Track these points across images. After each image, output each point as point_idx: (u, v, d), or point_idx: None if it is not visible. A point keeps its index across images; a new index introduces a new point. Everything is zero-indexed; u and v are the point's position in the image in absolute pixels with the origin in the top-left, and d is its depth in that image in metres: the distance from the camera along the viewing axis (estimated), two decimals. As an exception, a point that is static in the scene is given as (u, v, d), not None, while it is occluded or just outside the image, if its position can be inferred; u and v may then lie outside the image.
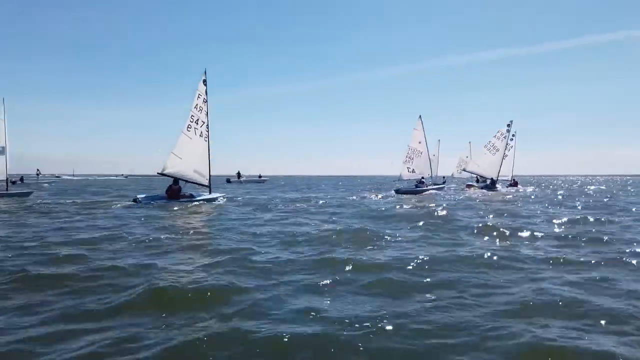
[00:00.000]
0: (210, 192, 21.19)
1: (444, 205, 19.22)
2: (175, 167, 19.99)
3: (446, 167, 63.08)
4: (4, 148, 22.55)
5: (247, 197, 26.35)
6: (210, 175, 21.18)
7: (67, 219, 13.54)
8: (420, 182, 32.59)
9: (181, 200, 19.45)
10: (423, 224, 12.02)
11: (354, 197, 26.55)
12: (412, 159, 33.92)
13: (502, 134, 37.78)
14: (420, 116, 33.76)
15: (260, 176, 65.02)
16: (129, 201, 20.00)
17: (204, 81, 20.78)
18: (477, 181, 41.93)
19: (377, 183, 62.65)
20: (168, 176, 19.86)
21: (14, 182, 23.61)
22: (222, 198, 22.03)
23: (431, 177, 34.19)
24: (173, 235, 9.90)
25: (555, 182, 77.67)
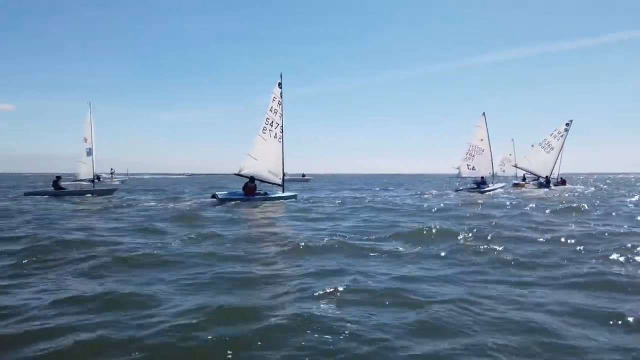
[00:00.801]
0: (283, 191, 21.49)
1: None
2: (251, 167, 20.58)
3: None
4: (90, 149, 23.66)
5: (309, 195, 26.56)
6: (283, 175, 21.50)
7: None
8: (482, 183, 31.86)
9: (256, 197, 19.85)
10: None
11: (426, 196, 26.42)
12: (473, 156, 33.26)
13: (559, 133, 36.63)
14: (484, 113, 32.97)
15: (303, 175, 65.34)
16: (208, 198, 20.53)
17: (279, 84, 21.02)
18: (524, 179, 41.06)
19: (422, 182, 61.77)
20: (244, 177, 20.37)
21: (91, 180, 24.65)
22: (296, 196, 22.33)
23: (493, 175, 33.30)
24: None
25: (607, 179, 74.32)
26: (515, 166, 43.40)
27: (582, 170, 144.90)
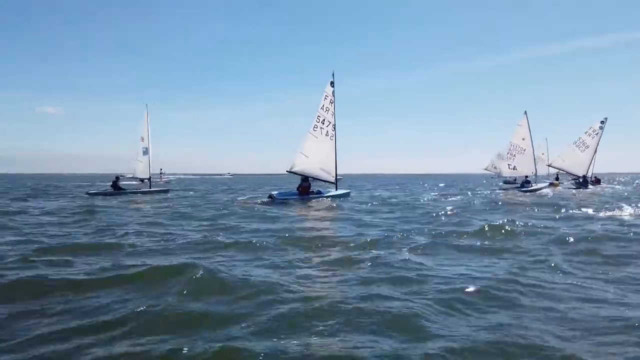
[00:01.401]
0: (336, 189, 21.77)
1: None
2: (302, 165, 20.97)
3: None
4: (146, 149, 24.52)
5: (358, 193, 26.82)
6: (336, 173, 21.79)
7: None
8: (526, 182, 31.62)
9: (311, 197, 20.20)
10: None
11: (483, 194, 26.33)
12: (514, 155, 32.98)
13: (594, 131, 35.92)
14: (525, 112, 32.76)
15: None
16: (265, 198, 20.99)
17: (332, 83, 21.40)
18: (557, 179, 40.45)
19: (458, 181, 61.14)
20: (295, 174, 20.83)
21: (142, 180, 25.55)
22: (349, 194, 22.61)
23: (535, 175, 32.96)
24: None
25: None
26: (550, 165, 42.79)
27: (620, 170, 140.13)
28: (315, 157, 21.15)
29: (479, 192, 31.50)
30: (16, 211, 15.30)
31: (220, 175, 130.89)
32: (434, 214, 14.19)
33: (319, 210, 16.39)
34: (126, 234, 9.70)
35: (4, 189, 36.59)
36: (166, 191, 26.63)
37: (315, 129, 21.43)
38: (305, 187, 20.73)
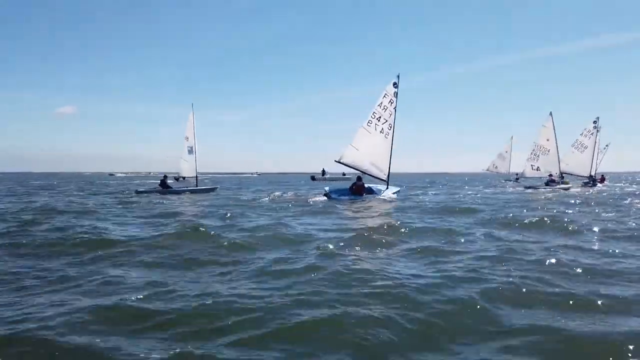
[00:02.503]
0: (387, 187, 21.80)
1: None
2: (351, 157, 21.17)
3: (518, 165, 62.09)
4: (191, 148, 24.24)
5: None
6: (389, 172, 21.85)
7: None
8: (551, 181, 32.30)
9: (364, 196, 20.14)
10: None
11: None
12: (538, 156, 33.71)
13: (589, 132, 37.21)
14: (550, 113, 33.52)
15: (344, 174, 65.42)
16: (321, 195, 20.97)
17: (394, 84, 21.52)
18: (562, 177, 41.52)
19: (473, 181, 61.88)
20: (343, 164, 21.04)
21: (177, 179, 25.23)
22: (399, 191, 22.73)
23: (561, 175, 33.67)
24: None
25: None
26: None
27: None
28: (365, 151, 21.19)
29: (512, 189, 32.01)
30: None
31: (250, 174, 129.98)
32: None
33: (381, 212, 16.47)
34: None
35: (50, 186, 37.85)
36: (213, 189, 26.31)
37: (369, 124, 21.49)
38: (359, 187, 20.64)
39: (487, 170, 66.62)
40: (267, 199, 20.71)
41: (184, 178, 26.02)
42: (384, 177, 21.95)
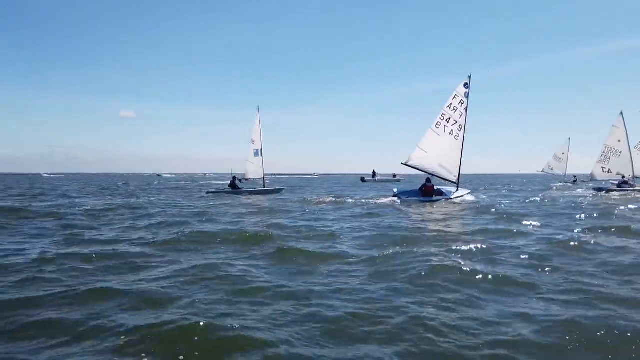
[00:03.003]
0: (457, 189, 21.48)
1: None
2: (418, 159, 20.95)
3: (576, 166, 59.53)
4: (257, 150, 24.85)
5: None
6: (460, 173, 21.51)
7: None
8: (623, 182, 30.73)
9: (434, 198, 19.93)
10: None
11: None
12: (609, 157, 32.16)
13: None
14: (621, 112, 31.90)
15: (394, 175, 65.02)
16: (390, 197, 20.94)
17: (465, 84, 21.18)
18: (575, 180, 39.40)
19: (533, 182, 59.95)
20: (411, 167, 20.79)
21: (240, 180, 25.81)
22: (470, 193, 22.38)
23: (633, 177, 31.95)
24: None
25: None
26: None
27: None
28: (434, 154, 20.96)
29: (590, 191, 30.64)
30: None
31: (310, 175, 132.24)
32: None
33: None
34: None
35: (125, 187, 40.34)
36: (279, 190, 26.90)
37: (437, 125, 21.21)
38: (429, 188, 20.53)
39: (542, 171, 64.47)
40: (351, 200, 20.75)
41: (246, 180, 26.61)
42: (454, 179, 21.57)
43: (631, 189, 29.90)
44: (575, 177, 52.35)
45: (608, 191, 29.11)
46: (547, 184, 52.14)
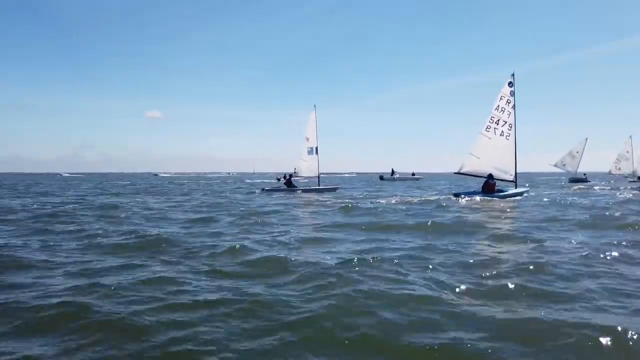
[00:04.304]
0: (516, 187, 22.34)
1: None
2: (471, 166, 21.68)
3: (591, 163, 60.48)
4: (312, 149, 25.85)
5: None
6: (516, 172, 22.33)
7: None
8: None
9: (495, 195, 20.72)
10: None
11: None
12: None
13: None
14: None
15: (413, 174, 65.79)
16: (449, 195, 21.96)
17: (509, 83, 22.15)
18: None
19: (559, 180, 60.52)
20: (463, 174, 21.72)
21: (278, 179, 26.77)
22: (528, 191, 23.24)
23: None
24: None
25: None
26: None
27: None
28: (486, 158, 21.65)
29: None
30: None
31: (349, 174, 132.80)
32: None
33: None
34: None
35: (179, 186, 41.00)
36: (334, 189, 27.42)
37: (487, 129, 21.95)
38: (491, 185, 21.18)
39: (555, 165, 65.52)
40: (416, 199, 21.16)
41: (280, 179, 27.00)
42: (510, 178, 22.25)
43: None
44: (585, 174, 53.85)
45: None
46: (554, 183, 52.81)
